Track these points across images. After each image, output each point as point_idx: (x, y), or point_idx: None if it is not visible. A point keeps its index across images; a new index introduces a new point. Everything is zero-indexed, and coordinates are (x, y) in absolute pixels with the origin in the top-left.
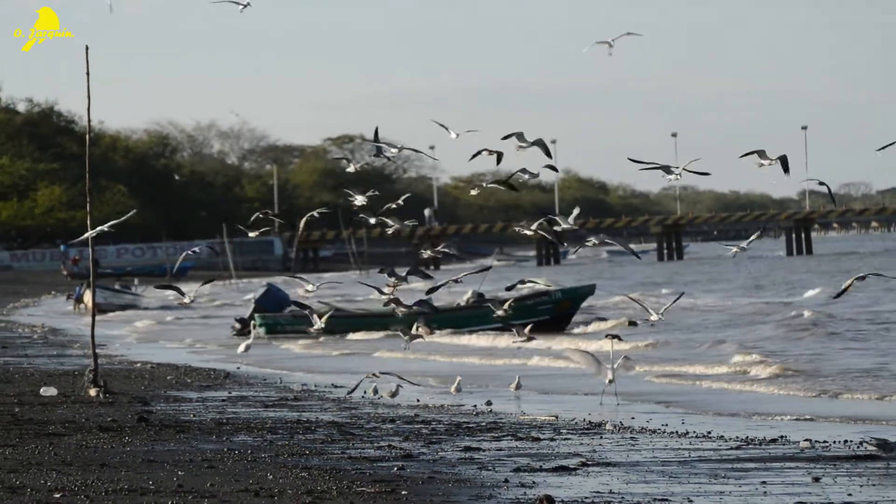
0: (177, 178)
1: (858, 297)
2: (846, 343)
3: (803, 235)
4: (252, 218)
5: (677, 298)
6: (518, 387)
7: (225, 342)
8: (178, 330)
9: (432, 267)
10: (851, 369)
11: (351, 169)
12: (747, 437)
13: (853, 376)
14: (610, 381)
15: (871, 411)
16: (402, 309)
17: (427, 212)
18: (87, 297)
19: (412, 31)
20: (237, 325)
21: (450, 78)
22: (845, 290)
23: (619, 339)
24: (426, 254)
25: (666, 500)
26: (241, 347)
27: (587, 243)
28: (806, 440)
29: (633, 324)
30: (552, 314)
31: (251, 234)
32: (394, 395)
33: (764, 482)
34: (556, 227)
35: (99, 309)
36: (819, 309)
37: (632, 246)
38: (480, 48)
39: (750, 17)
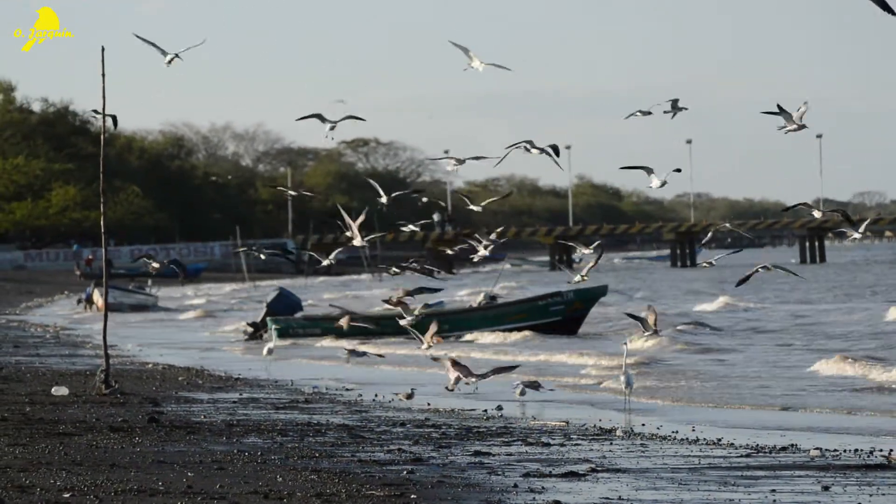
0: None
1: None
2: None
3: (817, 244)
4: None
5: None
6: (523, 392)
7: (242, 345)
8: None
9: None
10: None
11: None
12: (757, 445)
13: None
14: (627, 387)
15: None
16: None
17: (436, 216)
18: (97, 296)
19: (430, 34)
20: (249, 329)
21: (466, 83)
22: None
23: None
24: (445, 251)
25: None
26: (265, 350)
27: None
28: (816, 449)
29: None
30: (564, 315)
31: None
32: (409, 397)
33: (773, 490)
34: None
35: (109, 309)
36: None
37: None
38: (498, 53)
39: (766, 25)
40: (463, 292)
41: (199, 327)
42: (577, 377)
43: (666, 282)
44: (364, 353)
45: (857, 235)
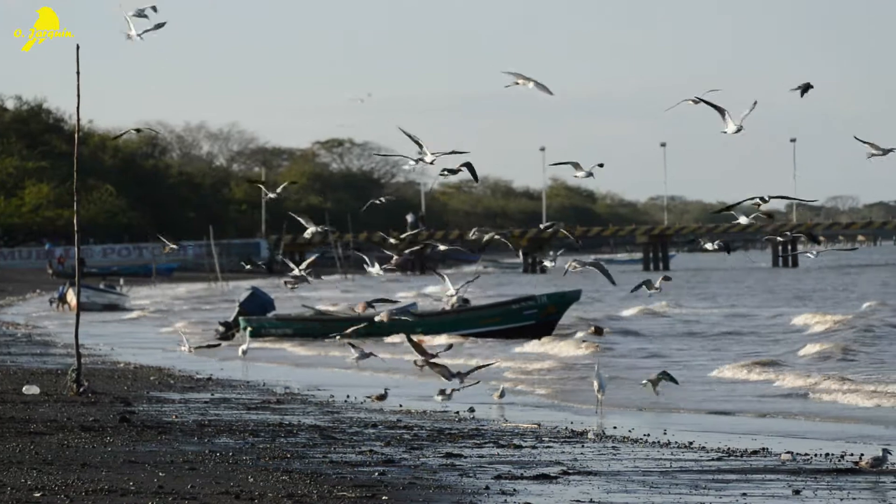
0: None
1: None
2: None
3: (789, 248)
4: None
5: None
6: (502, 395)
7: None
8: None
9: (415, 270)
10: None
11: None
12: (728, 449)
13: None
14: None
15: None
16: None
17: (410, 217)
18: (70, 295)
19: (404, 36)
20: (220, 329)
21: (439, 84)
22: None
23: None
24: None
25: None
26: (240, 351)
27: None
28: (787, 452)
29: (598, 331)
30: (537, 319)
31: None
32: (381, 398)
33: (744, 494)
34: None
35: (82, 308)
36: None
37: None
38: (470, 55)
39: (739, 28)
40: (430, 288)
41: (143, 327)
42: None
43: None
44: (370, 354)
45: (811, 256)
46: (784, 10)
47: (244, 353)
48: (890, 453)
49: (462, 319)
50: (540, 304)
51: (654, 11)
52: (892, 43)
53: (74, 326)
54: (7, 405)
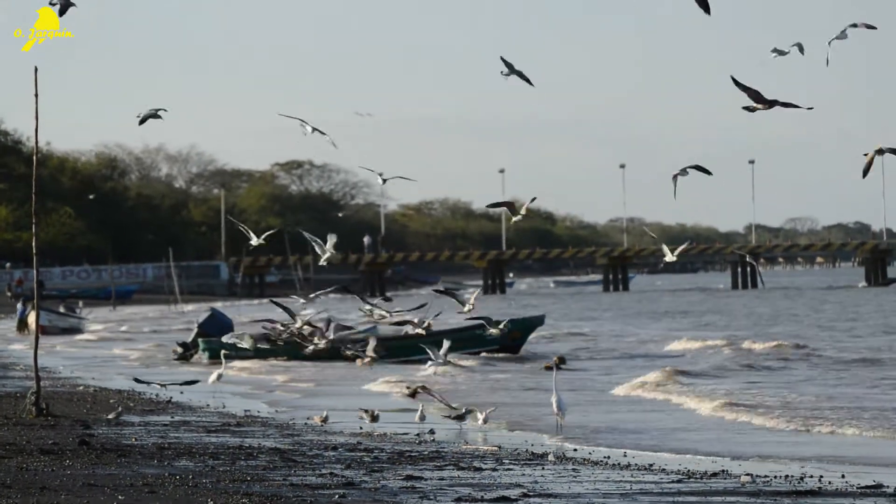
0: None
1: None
2: None
3: (748, 269)
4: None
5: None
6: (486, 420)
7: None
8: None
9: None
10: None
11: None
12: (688, 471)
13: None
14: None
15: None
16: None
17: (366, 239)
18: (31, 318)
19: (362, 57)
20: (178, 349)
21: (400, 106)
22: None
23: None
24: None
25: None
26: (213, 377)
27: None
28: (747, 475)
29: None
30: (501, 343)
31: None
32: (324, 421)
33: None
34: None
35: (43, 331)
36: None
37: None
38: (431, 77)
39: (699, 50)
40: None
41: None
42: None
43: (559, 307)
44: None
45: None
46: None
47: (219, 377)
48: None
49: (425, 343)
50: (504, 331)
51: (623, 34)
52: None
53: (33, 349)
54: None
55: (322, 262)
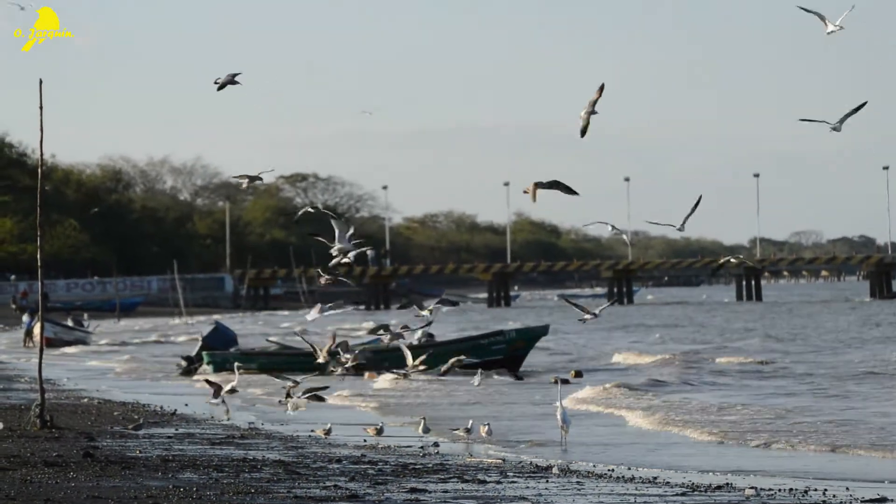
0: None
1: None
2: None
3: (753, 283)
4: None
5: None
6: (470, 430)
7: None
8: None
9: (382, 305)
10: None
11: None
12: (693, 484)
13: None
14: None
15: None
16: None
17: (370, 252)
18: (37, 330)
19: (369, 69)
20: (183, 363)
21: (404, 118)
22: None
23: (567, 381)
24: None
25: None
26: (227, 388)
27: None
28: (751, 488)
29: (578, 374)
30: (505, 353)
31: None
32: (327, 433)
33: None
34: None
35: (48, 343)
36: None
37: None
38: (434, 89)
39: (704, 64)
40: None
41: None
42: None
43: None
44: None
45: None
46: (758, 45)
47: (233, 391)
48: None
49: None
50: (508, 339)
51: (628, 46)
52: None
53: (38, 361)
54: None
55: (334, 253)
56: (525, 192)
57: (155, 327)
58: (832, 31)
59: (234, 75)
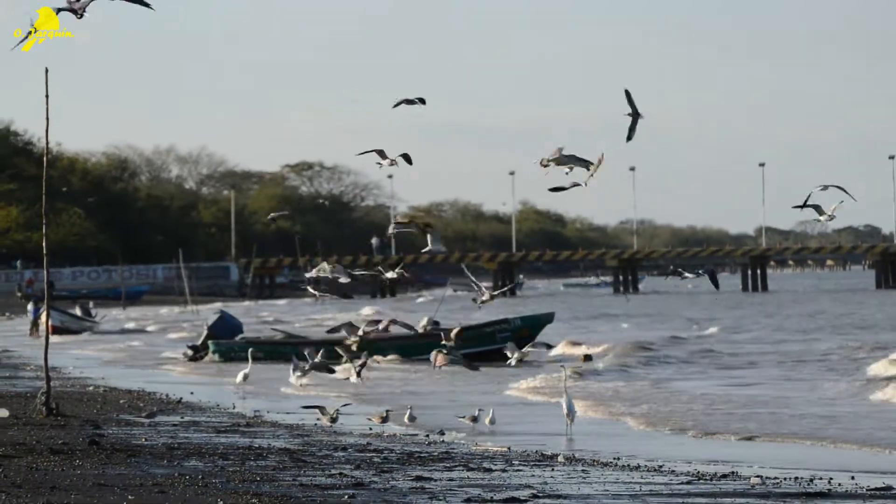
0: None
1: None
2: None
3: (759, 272)
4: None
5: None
6: (476, 419)
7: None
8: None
9: (389, 294)
10: None
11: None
12: (698, 472)
13: None
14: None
15: None
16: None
17: (374, 241)
18: (44, 318)
19: (375, 61)
20: (189, 352)
21: (410, 111)
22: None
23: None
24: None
25: None
26: (240, 377)
27: None
28: (757, 476)
29: (588, 358)
30: (511, 342)
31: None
32: (333, 420)
33: None
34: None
35: (55, 331)
36: None
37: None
38: (440, 82)
39: (709, 54)
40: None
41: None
42: None
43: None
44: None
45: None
46: (763, 35)
47: (245, 377)
48: None
49: (435, 343)
50: (514, 326)
51: (631, 37)
52: (859, 66)
53: (44, 349)
54: None
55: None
56: (542, 164)
57: (176, 316)
58: (823, 219)
59: (419, 98)
